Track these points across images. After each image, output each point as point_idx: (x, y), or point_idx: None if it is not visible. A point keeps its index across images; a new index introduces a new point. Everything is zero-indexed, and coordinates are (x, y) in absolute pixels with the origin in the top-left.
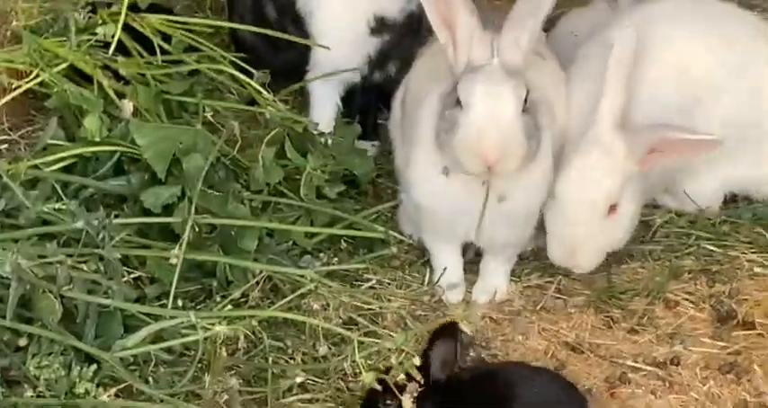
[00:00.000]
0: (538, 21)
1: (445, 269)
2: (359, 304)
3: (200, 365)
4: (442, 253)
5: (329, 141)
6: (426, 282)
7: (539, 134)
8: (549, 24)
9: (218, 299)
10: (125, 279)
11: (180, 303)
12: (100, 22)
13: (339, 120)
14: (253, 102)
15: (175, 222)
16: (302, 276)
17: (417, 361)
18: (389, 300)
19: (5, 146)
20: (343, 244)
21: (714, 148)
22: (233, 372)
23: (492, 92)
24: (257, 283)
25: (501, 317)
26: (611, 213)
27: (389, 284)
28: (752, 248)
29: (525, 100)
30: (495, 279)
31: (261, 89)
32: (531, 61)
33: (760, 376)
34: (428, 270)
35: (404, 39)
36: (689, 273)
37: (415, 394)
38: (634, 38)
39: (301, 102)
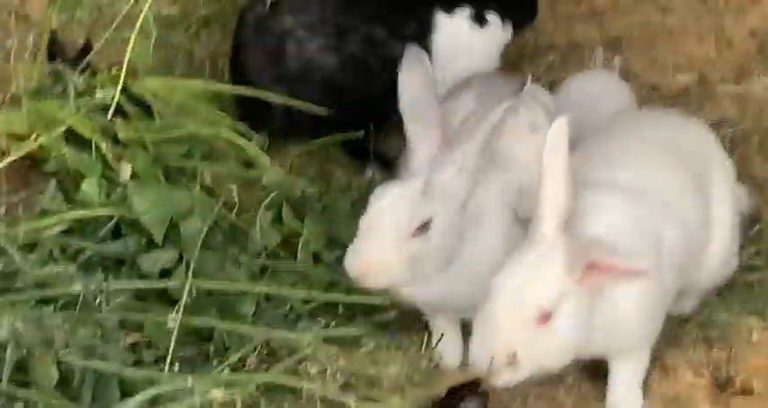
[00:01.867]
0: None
1: (443, 334)
2: (356, 368)
3: None
4: (440, 319)
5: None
6: (424, 347)
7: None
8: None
9: (216, 364)
10: (122, 343)
11: (177, 367)
12: (99, 85)
13: (334, 185)
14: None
15: (173, 286)
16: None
17: None
18: (387, 365)
19: (4, 208)
20: (341, 309)
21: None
22: None
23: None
24: (254, 348)
25: None
26: (542, 323)
27: (387, 348)
28: (751, 313)
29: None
30: None
31: (258, 152)
32: (516, 136)
33: None
34: (426, 334)
35: None
36: (688, 339)
37: None
38: (565, 126)
39: (300, 165)
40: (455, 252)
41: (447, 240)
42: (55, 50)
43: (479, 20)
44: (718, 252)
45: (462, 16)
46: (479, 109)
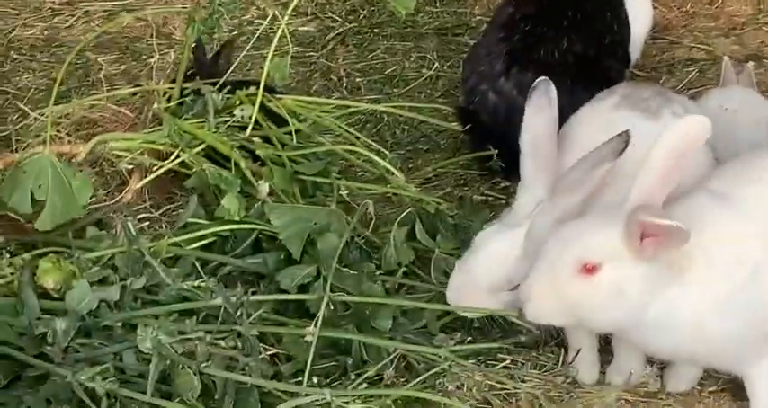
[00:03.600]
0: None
1: (579, 350)
2: (493, 383)
3: None
4: (577, 334)
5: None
6: (560, 363)
7: None
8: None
9: (353, 377)
10: (262, 356)
11: (315, 380)
12: (237, 102)
13: (468, 203)
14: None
15: (311, 300)
16: (437, 355)
17: None
18: (523, 381)
19: (148, 223)
20: (476, 323)
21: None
22: None
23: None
24: (392, 362)
25: (637, 399)
26: (586, 273)
27: (523, 364)
28: None
29: None
30: (630, 360)
31: (393, 169)
32: None
33: None
34: (562, 350)
35: None
36: None
37: None
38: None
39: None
40: None
41: None
42: (202, 66)
43: None
44: None
45: None
46: (590, 155)
